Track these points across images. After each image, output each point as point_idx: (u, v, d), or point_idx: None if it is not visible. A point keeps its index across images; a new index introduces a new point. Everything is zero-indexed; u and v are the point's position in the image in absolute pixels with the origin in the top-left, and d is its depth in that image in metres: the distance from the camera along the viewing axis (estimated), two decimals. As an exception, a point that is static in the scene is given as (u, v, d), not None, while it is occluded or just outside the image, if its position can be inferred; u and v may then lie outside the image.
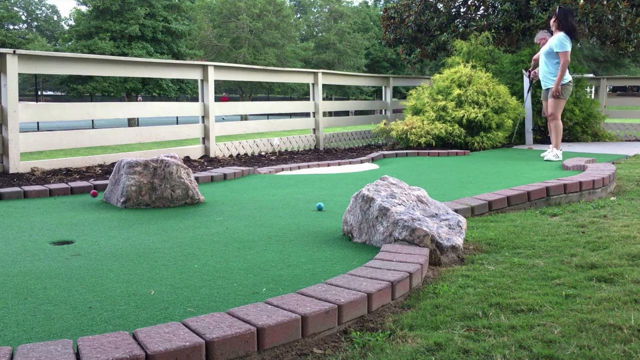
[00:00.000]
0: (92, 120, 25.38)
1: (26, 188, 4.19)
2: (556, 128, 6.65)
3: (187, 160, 6.56)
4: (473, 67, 8.64)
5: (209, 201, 3.98)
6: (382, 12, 11.89)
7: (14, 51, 5.15)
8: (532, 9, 9.18)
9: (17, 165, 5.20)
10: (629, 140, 9.99)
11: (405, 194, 2.91)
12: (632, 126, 10.96)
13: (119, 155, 6.13)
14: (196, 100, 15.30)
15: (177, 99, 37.44)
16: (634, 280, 2.25)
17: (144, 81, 29.63)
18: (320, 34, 43.25)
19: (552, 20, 6.51)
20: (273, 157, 7.31)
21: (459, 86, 8.24)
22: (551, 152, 6.58)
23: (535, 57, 8.74)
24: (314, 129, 8.86)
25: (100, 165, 5.90)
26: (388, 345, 1.71)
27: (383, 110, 10.84)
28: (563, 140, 9.32)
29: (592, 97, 11.32)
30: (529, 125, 8.76)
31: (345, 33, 40.43)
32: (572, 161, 5.71)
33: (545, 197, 3.97)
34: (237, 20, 34.75)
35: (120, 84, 29.30)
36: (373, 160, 6.81)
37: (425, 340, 1.73)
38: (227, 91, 47.07)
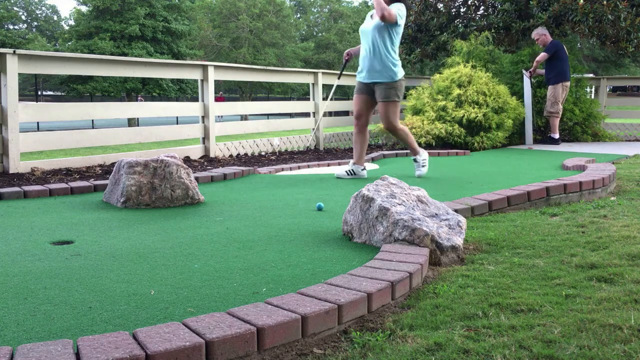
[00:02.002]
0: (92, 120, 25.39)
1: (26, 188, 4.19)
2: (401, 137, 5.32)
3: (187, 160, 6.56)
4: (473, 67, 8.64)
5: (209, 201, 3.98)
6: (382, 12, 11.85)
7: (14, 51, 5.15)
8: (532, 9, 9.18)
9: (17, 165, 5.20)
10: (629, 140, 9.99)
11: (405, 194, 2.91)
12: (632, 126, 10.96)
13: (119, 155, 6.13)
14: (196, 100, 15.30)
15: (177, 99, 37.43)
16: (634, 280, 2.26)
17: (144, 81, 29.64)
18: (320, 34, 43.24)
19: None
20: (273, 157, 7.31)
21: (459, 86, 8.24)
22: (418, 162, 5.30)
23: (538, 58, 8.63)
24: (314, 129, 8.86)
25: (100, 165, 5.90)
26: (388, 345, 1.71)
27: (383, 110, 10.82)
28: (564, 140, 9.33)
29: (592, 97, 11.32)
30: (529, 125, 8.76)
31: (345, 33, 40.44)
32: (572, 161, 5.72)
33: (545, 197, 3.97)
34: (237, 20, 34.75)
35: (120, 84, 29.31)
36: (373, 160, 6.81)
37: (425, 340, 1.73)
38: (227, 91, 47.04)
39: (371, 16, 5.24)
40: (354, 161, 5.31)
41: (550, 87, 8.68)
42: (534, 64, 8.73)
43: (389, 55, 5.06)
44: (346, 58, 5.69)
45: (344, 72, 9.78)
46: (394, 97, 5.11)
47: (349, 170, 5.26)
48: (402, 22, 4.98)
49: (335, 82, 6.34)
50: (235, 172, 5.22)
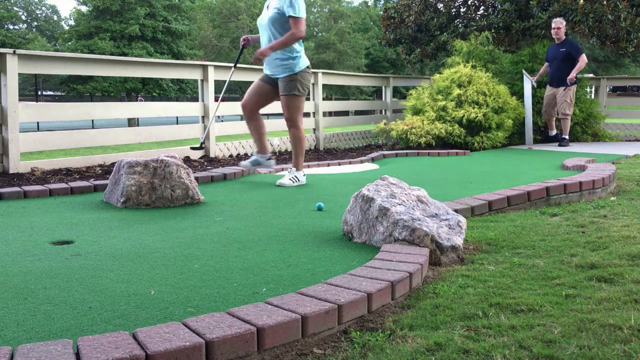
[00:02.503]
0: (92, 120, 25.38)
1: (26, 188, 4.19)
2: (295, 139, 4.92)
3: (187, 160, 6.56)
4: (473, 67, 8.64)
5: (209, 201, 3.98)
6: (382, 12, 11.89)
7: (14, 51, 5.15)
8: (532, 9, 9.18)
9: (17, 165, 5.20)
10: (629, 140, 9.99)
11: (405, 194, 2.91)
12: (632, 126, 10.96)
13: (119, 155, 6.13)
14: (196, 100, 15.27)
15: (177, 99, 37.43)
16: (634, 280, 2.25)
17: (144, 81, 29.64)
18: (320, 34, 43.23)
19: None
20: (273, 157, 7.30)
21: (459, 86, 8.24)
22: (288, 175, 4.87)
23: (581, 65, 8.34)
24: (314, 129, 8.86)
25: (100, 165, 5.90)
26: (388, 345, 1.71)
27: (383, 110, 10.84)
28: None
29: (592, 97, 11.32)
30: (529, 125, 8.76)
31: (345, 33, 40.43)
32: (572, 161, 5.71)
33: (545, 197, 3.97)
34: (237, 20, 34.74)
35: (120, 84, 29.31)
36: (373, 160, 6.81)
37: (425, 340, 1.73)
38: (227, 91, 47.09)
39: (267, 7, 4.86)
40: (256, 150, 5.07)
41: (567, 89, 8.43)
42: (575, 72, 8.32)
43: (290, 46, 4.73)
44: (243, 43, 5.19)
45: (344, 72, 9.75)
46: (294, 90, 4.76)
47: (253, 161, 5.06)
48: (302, 13, 4.61)
49: (228, 76, 5.72)
50: (235, 172, 5.22)
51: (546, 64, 8.79)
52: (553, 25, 8.39)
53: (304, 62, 4.82)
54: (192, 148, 5.58)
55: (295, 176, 4.85)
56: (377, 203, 2.75)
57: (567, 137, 8.56)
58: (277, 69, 4.81)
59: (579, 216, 3.52)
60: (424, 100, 8.40)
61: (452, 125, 7.87)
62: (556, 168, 5.72)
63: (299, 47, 4.81)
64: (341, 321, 1.84)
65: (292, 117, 4.84)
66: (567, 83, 8.39)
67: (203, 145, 5.44)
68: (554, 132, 8.82)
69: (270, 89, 4.94)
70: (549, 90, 8.70)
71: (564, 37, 8.45)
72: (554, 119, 8.78)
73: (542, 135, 9.22)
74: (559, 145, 8.40)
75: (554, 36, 8.46)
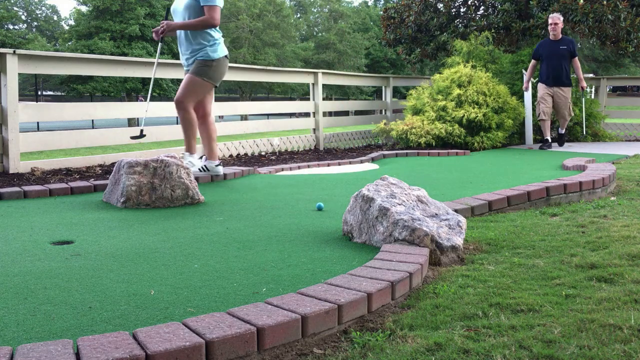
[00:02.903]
0: (92, 120, 25.39)
1: (26, 188, 4.19)
2: (184, 121, 4.70)
3: (187, 160, 6.56)
4: (473, 67, 8.64)
5: (209, 201, 3.98)
6: (382, 12, 11.89)
7: (14, 51, 5.15)
8: (532, 9, 9.18)
9: (17, 165, 5.20)
10: (629, 140, 9.99)
11: (405, 194, 2.91)
12: (632, 126, 10.97)
13: (119, 155, 6.13)
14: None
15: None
16: (634, 280, 2.26)
17: (144, 81, 29.63)
18: (320, 34, 43.25)
19: None
20: (273, 157, 7.31)
21: (459, 86, 8.25)
22: (186, 159, 4.77)
23: (580, 72, 8.17)
24: (314, 129, 8.86)
25: (100, 165, 5.90)
26: (388, 345, 1.71)
27: (383, 110, 10.85)
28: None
29: (592, 97, 11.32)
30: (529, 125, 8.76)
31: (345, 33, 40.44)
32: (572, 161, 5.71)
33: (545, 197, 3.97)
34: (237, 20, 34.74)
35: (120, 84, 29.32)
36: (373, 160, 6.81)
37: (425, 340, 1.73)
38: (227, 91, 47.02)
39: None
40: (205, 156, 4.92)
41: (569, 89, 8.19)
42: (581, 77, 8.15)
43: (204, 33, 4.59)
44: (158, 37, 4.76)
45: (344, 72, 9.75)
46: (204, 75, 4.58)
47: (203, 167, 4.88)
48: (218, 1, 4.50)
49: (152, 71, 5.32)
50: (235, 172, 5.22)
51: (533, 62, 8.35)
52: (550, 21, 8.01)
53: (221, 50, 4.67)
54: (132, 137, 5.26)
55: (191, 162, 4.70)
56: (377, 203, 2.75)
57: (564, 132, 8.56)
58: (192, 58, 4.66)
59: (579, 216, 3.52)
60: (424, 100, 8.40)
61: (452, 125, 7.87)
62: (556, 168, 5.72)
63: (216, 34, 4.68)
64: (341, 321, 1.84)
65: (184, 98, 4.59)
66: (571, 84, 8.21)
67: (144, 134, 5.16)
68: (548, 137, 8.26)
69: None
70: (546, 90, 8.20)
71: (561, 34, 8.12)
72: (550, 121, 8.37)
73: (542, 135, 9.21)
74: (559, 145, 8.31)
75: (550, 32, 8.06)
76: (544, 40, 8.30)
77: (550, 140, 8.22)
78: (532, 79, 8.62)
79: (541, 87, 8.25)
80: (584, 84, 8.13)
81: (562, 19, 8.08)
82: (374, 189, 2.90)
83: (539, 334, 1.76)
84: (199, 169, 4.81)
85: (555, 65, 8.08)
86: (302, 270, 2.34)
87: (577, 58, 8.13)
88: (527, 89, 8.49)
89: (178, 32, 4.68)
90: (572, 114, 8.32)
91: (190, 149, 4.78)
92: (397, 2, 11.04)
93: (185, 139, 4.77)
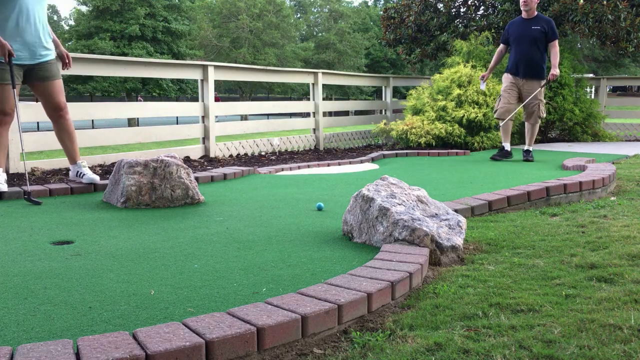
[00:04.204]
0: (92, 120, 25.39)
1: (26, 188, 4.18)
2: (71, 126, 4.43)
3: (187, 160, 6.56)
4: (473, 67, 8.64)
5: (209, 201, 3.98)
6: (382, 12, 11.89)
7: (14, 51, 5.13)
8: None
9: (17, 165, 5.20)
10: (629, 140, 10.00)
11: (405, 194, 2.91)
12: (632, 126, 10.97)
13: (119, 155, 6.13)
14: (196, 100, 15.29)
15: (177, 99, 37.44)
16: (634, 280, 2.26)
17: (144, 81, 29.65)
18: (320, 34, 43.25)
19: None
20: (273, 157, 7.31)
21: (459, 86, 8.25)
22: (79, 168, 4.45)
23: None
24: (314, 129, 8.86)
25: (100, 165, 5.90)
26: (388, 345, 1.71)
27: (383, 110, 10.85)
28: (563, 140, 9.31)
29: (592, 97, 11.32)
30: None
31: (345, 33, 40.44)
32: (572, 161, 5.71)
33: (545, 197, 3.97)
34: (237, 20, 34.74)
35: (120, 84, 29.32)
36: (373, 160, 6.81)
37: (425, 340, 1.73)
38: (227, 91, 47.05)
39: None
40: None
41: (542, 84, 6.32)
42: (557, 65, 6.22)
43: (46, 27, 4.31)
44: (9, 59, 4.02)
45: (344, 72, 9.76)
46: (60, 73, 4.34)
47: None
48: None
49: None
50: (235, 172, 5.22)
51: (501, 47, 6.58)
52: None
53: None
54: None
55: (81, 171, 4.42)
56: (377, 203, 2.75)
57: (532, 149, 6.59)
58: (41, 54, 4.22)
59: (579, 216, 3.52)
60: (424, 100, 8.40)
61: (452, 125, 7.87)
62: (556, 168, 5.72)
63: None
64: (341, 321, 1.84)
65: (64, 102, 4.32)
66: (545, 77, 6.31)
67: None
68: (507, 144, 6.49)
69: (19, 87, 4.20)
70: (510, 81, 6.35)
71: (535, 11, 6.31)
72: (512, 123, 6.58)
73: (542, 136, 9.21)
74: (525, 160, 6.38)
75: (522, 8, 6.25)
76: (515, 19, 6.56)
77: (509, 150, 6.49)
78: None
79: (505, 77, 6.44)
80: (556, 71, 6.10)
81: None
82: (374, 189, 2.90)
83: (539, 334, 1.76)
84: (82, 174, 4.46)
85: (525, 51, 6.25)
86: (302, 270, 2.34)
87: (556, 42, 6.23)
88: (483, 79, 6.70)
89: (28, 22, 4.18)
90: (543, 116, 6.36)
91: (77, 157, 4.49)
92: (397, 2, 11.04)
93: (74, 146, 4.48)
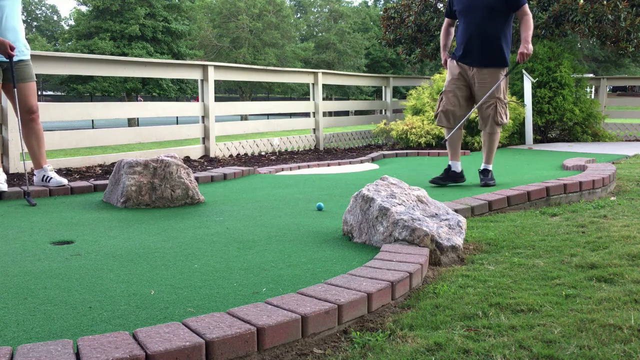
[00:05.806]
0: (92, 120, 25.39)
1: (26, 188, 4.18)
2: (40, 132, 4.35)
3: (187, 160, 6.56)
4: (473, 67, 8.62)
5: (209, 201, 3.98)
6: (382, 12, 11.89)
7: (14, 51, 5.13)
8: (532, 9, 9.18)
9: (17, 165, 5.20)
10: (629, 140, 10.00)
11: (405, 194, 2.91)
12: (632, 126, 10.97)
13: (119, 155, 6.13)
14: (196, 100, 15.28)
15: (177, 99, 37.44)
16: (634, 280, 2.26)
17: (144, 81, 29.63)
18: (320, 34, 43.24)
19: None
20: (273, 157, 7.31)
21: (459, 86, 8.23)
22: (46, 172, 4.34)
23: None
24: (314, 129, 8.86)
25: (100, 165, 5.90)
26: (388, 345, 1.71)
27: (383, 110, 10.85)
28: (563, 140, 9.31)
29: (592, 97, 11.32)
30: (529, 125, 8.76)
31: (345, 33, 40.42)
32: (572, 161, 5.71)
33: (545, 197, 3.97)
34: (237, 20, 34.73)
35: (120, 84, 29.30)
36: (373, 160, 6.81)
37: (425, 340, 1.73)
38: (227, 91, 47.04)
39: None
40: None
41: (502, 74, 4.45)
42: (528, 40, 4.29)
43: (20, 21, 4.19)
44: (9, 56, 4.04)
45: (344, 72, 9.76)
46: (34, 76, 4.30)
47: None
48: None
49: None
50: (235, 172, 5.22)
51: (446, 21, 4.72)
52: None
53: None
54: None
55: (47, 175, 4.31)
56: (377, 203, 2.75)
57: (491, 168, 4.64)
58: (21, 52, 4.15)
59: (579, 216, 3.52)
60: (424, 100, 8.41)
61: (452, 125, 7.87)
62: (556, 168, 5.72)
63: None
64: (341, 321, 1.84)
65: (37, 106, 4.27)
66: (507, 64, 4.47)
67: None
68: (458, 164, 4.66)
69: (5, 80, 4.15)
70: (455, 71, 4.50)
71: None
72: (461, 133, 4.66)
73: (542, 136, 9.21)
74: (483, 185, 4.55)
75: None
76: None
77: (459, 171, 4.67)
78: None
79: (450, 66, 4.60)
80: (528, 49, 4.28)
81: None
82: (374, 189, 2.90)
83: (539, 334, 1.76)
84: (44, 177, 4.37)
85: (477, 26, 4.40)
86: (302, 270, 2.34)
87: (525, 7, 4.37)
88: (445, 62, 4.68)
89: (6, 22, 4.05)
90: (504, 122, 4.52)
91: (44, 162, 4.40)
92: (397, 2, 11.04)
93: (43, 152, 4.40)
